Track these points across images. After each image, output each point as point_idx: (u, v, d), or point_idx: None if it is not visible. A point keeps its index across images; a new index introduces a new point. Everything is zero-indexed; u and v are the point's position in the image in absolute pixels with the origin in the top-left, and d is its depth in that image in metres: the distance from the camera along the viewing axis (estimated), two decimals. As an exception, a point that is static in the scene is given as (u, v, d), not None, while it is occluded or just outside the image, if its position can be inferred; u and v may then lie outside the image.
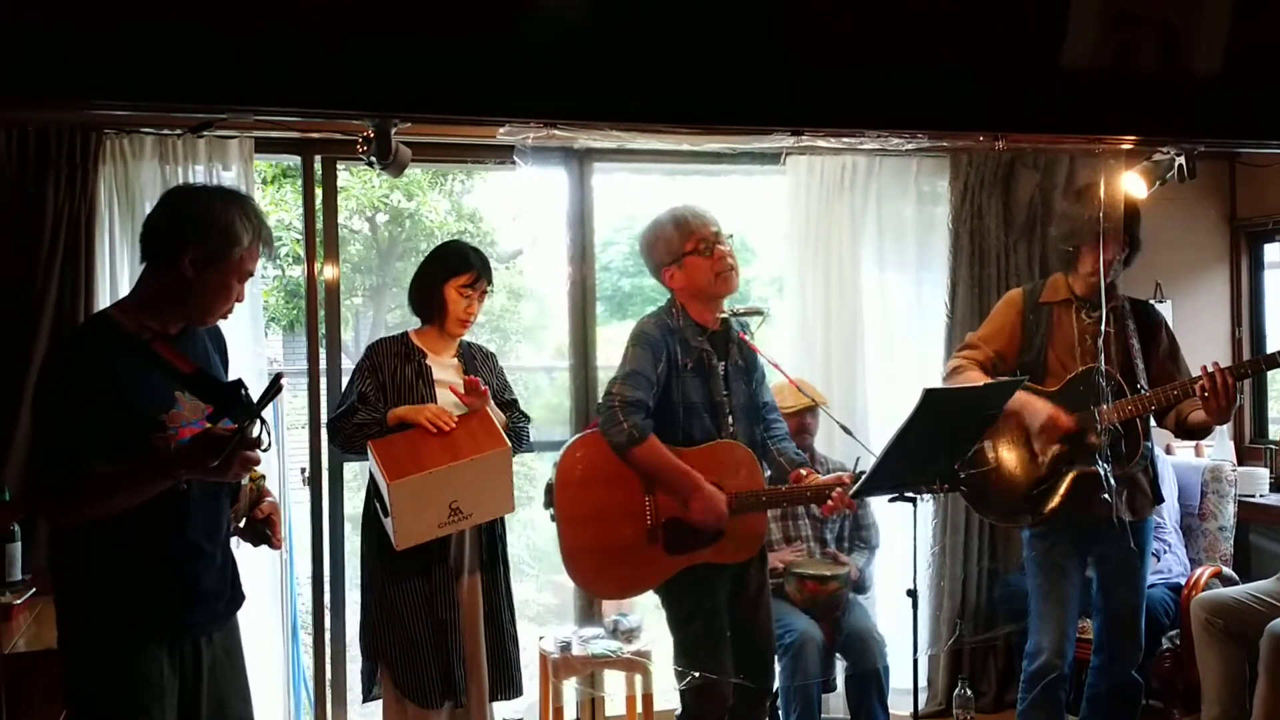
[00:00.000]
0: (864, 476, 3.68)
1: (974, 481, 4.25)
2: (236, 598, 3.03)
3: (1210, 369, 3.93)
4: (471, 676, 3.95)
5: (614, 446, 3.68)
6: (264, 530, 3.04)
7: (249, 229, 2.79)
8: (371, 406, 3.89)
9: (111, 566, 2.73)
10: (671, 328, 3.78)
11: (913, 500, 3.93)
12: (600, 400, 3.81)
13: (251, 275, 2.88)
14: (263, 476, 3.11)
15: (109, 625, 2.74)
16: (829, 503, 3.79)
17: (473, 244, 4.21)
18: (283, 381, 2.71)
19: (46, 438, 2.70)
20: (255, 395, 2.68)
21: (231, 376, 2.88)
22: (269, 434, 2.68)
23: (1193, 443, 5.80)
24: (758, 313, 3.97)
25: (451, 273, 4.01)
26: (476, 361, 4.11)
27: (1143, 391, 4.14)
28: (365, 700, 4.08)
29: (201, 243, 2.74)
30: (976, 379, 4.20)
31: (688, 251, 3.77)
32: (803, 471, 3.91)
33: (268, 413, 2.67)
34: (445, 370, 4.01)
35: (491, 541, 4.05)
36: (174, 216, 2.83)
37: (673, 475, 3.69)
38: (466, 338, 4.17)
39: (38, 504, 2.69)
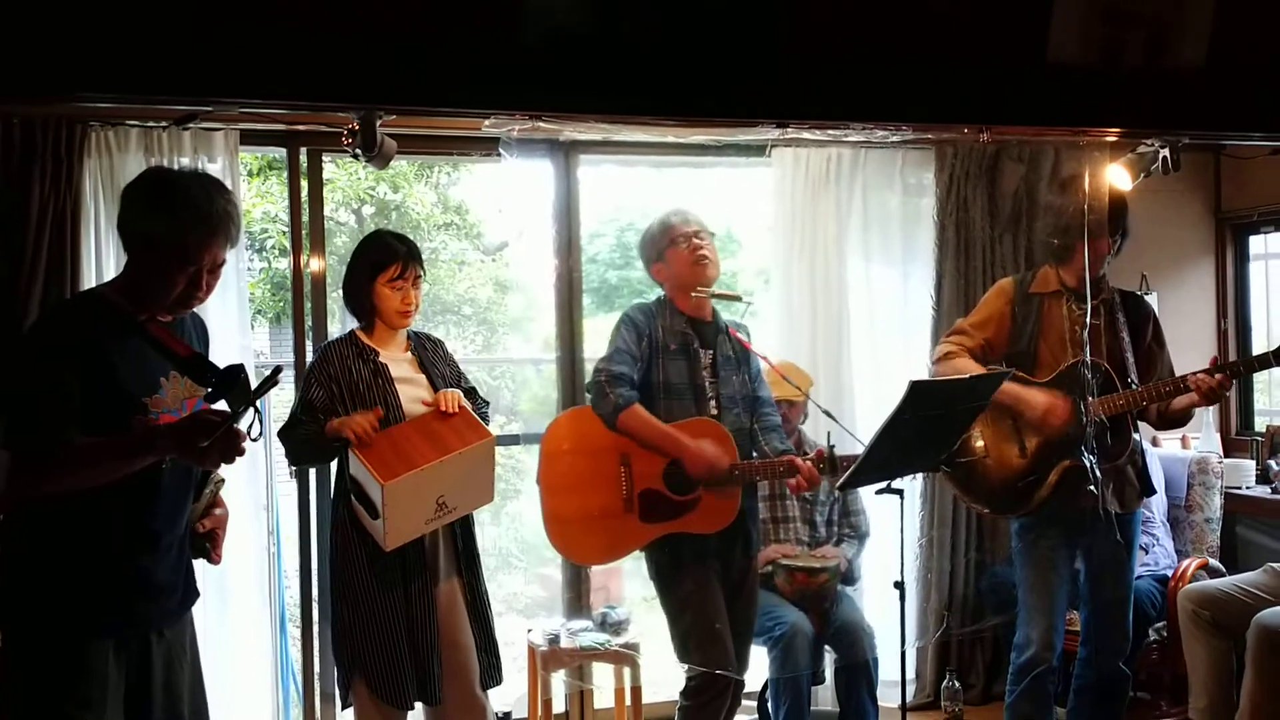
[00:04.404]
0: (852, 468, 3.71)
1: (963, 470, 4.26)
2: (190, 594, 2.96)
3: (1206, 376, 4.01)
4: (455, 674, 3.91)
5: (604, 419, 3.95)
6: (204, 544, 2.97)
7: (171, 214, 2.67)
8: (313, 418, 3.77)
9: (69, 555, 2.67)
10: (655, 312, 4.06)
11: (899, 493, 3.95)
12: (589, 380, 4.06)
13: (201, 265, 2.71)
14: (222, 481, 3.04)
15: (59, 614, 2.68)
16: (794, 480, 3.94)
17: (396, 231, 4.07)
18: (279, 376, 2.68)
19: (27, 405, 2.61)
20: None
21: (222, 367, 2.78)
22: (260, 424, 2.63)
23: (1178, 433, 5.83)
24: (736, 298, 4.14)
25: (377, 268, 3.86)
26: (428, 352, 4.01)
27: (1133, 385, 4.15)
28: (344, 708, 4.03)
29: (138, 227, 2.71)
30: (966, 366, 4.21)
31: (668, 245, 4.07)
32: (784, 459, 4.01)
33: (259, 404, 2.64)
34: (400, 365, 3.92)
35: (467, 537, 4.02)
36: (122, 201, 2.81)
37: (659, 438, 3.93)
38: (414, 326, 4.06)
39: (11, 475, 2.60)
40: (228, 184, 4.64)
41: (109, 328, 2.69)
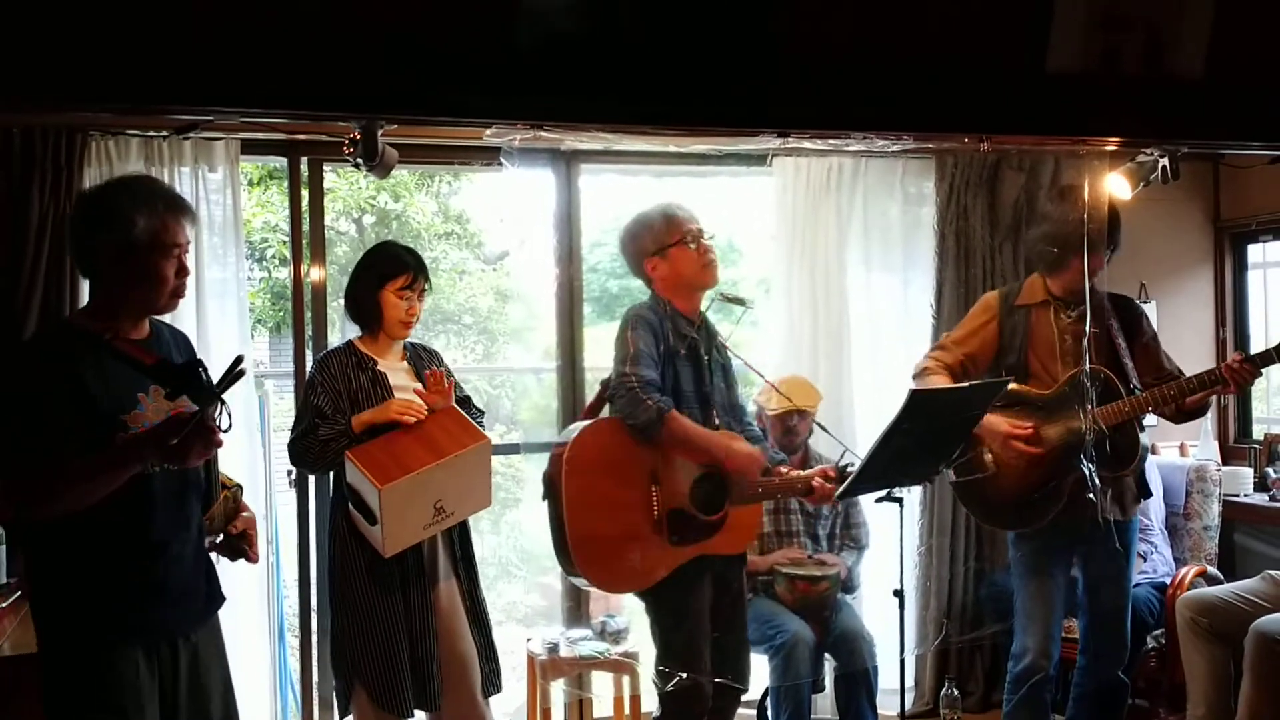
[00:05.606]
0: (851, 477, 3.70)
1: (974, 485, 4.24)
2: (214, 597, 3.03)
3: (1232, 362, 4.05)
4: (456, 681, 3.90)
5: (640, 427, 3.67)
6: (240, 545, 3.06)
7: (141, 209, 2.76)
8: (331, 420, 3.79)
9: (81, 568, 2.73)
10: (662, 315, 3.83)
11: (899, 501, 3.95)
12: (613, 387, 3.78)
13: (180, 247, 2.83)
14: (238, 486, 3.12)
15: (82, 627, 2.74)
16: (813, 493, 3.84)
17: (404, 244, 4.10)
18: (242, 365, 2.71)
19: (14, 436, 2.67)
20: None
21: (216, 379, 2.82)
22: (229, 416, 2.70)
23: (1176, 441, 5.84)
24: (741, 302, 4.01)
25: (386, 277, 3.90)
26: (424, 362, 4.04)
27: (1136, 391, 4.15)
28: (341, 717, 4.02)
29: (102, 243, 2.77)
30: (940, 383, 4.21)
31: (674, 242, 3.84)
32: (784, 469, 3.94)
33: (250, 404, 2.67)
34: (397, 374, 3.94)
35: (465, 543, 4.02)
36: (73, 228, 2.91)
37: (705, 442, 3.75)
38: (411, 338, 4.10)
39: (10, 502, 2.70)
40: (228, 193, 4.76)
41: (81, 349, 2.75)
